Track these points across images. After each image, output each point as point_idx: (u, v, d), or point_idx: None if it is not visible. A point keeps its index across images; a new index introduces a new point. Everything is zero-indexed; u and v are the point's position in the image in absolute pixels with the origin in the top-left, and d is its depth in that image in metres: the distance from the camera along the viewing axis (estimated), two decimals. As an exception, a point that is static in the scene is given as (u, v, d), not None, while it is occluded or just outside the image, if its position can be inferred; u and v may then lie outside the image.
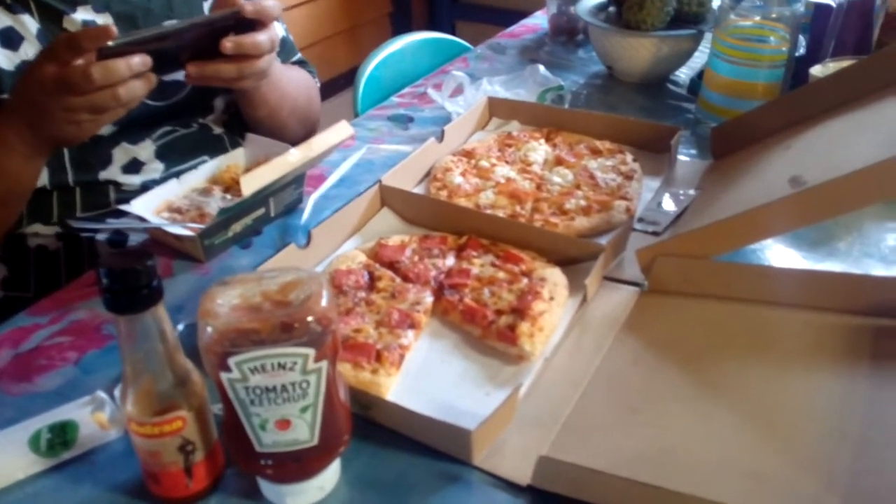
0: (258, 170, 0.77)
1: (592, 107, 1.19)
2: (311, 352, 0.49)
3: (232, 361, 0.48)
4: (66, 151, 0.88)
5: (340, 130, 0.82)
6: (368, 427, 0.62)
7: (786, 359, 0.65)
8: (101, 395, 0.63)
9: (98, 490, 0.57)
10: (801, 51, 1.13)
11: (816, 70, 0.98)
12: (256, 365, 0.49)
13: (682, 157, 1.01)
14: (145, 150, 0.94)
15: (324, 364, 0.50)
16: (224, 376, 0.49)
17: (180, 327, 0.72)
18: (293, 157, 0.79)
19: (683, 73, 1.30)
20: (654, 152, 1.00)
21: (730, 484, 0.53)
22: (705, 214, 0.79)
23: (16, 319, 0.75)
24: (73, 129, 0.75)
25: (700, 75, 1.18)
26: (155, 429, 0.52)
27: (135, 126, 0.93)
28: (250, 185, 0.76)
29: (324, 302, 0.50)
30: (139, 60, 0.71)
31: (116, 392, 0.63)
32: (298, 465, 0.54)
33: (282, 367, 0.49)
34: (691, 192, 0.90)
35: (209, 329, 0.48)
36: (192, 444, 0.54)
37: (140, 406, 0.52)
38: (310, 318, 0.49)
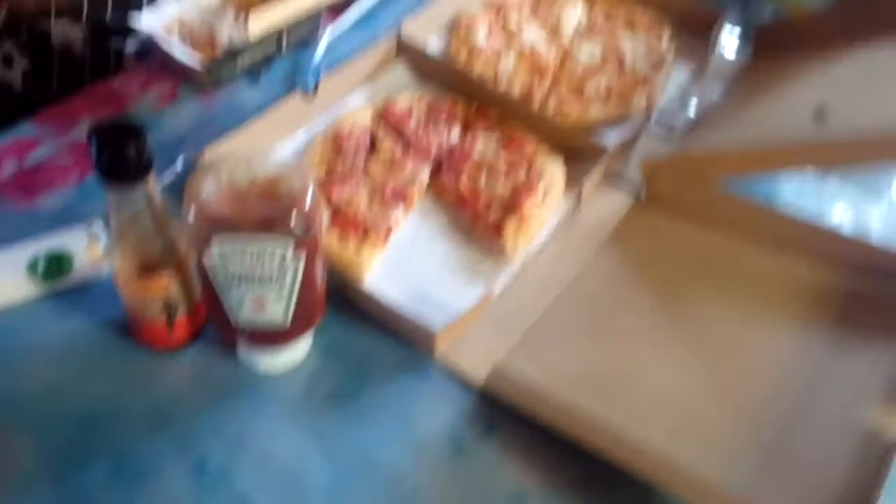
0: (268, 7, 0.73)
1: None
2: (290, 247, 0.51)
3: (213, 248, 0.50)
4: None
5: (362, -27, 0.77)
6: (343, 301, 0.65)
7: (755, 301, 0.67)
8: (97, 227, 0.66)
9: (89, 322, 0.62)
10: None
11: (890, -24, 0.89)
12: (235, 252, 0.51)
13: (722, 45, 0.95)
14: None
15: (302, 257, 0.52)
16: (204, 258, 0.51)
17: (180, 161, 0.73)
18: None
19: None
20: (693, 35, 0.94)
21: (661, 420, 0.57)
22: (721, 131, 0.76)
23: (21, 128, 0.76)
24: None
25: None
26: (139, 287, 0.55)
27: None
28: (257, 24, 0.72)
29: (308, 199, 0.51)
30: None
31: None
32: (272, 338, 0.58)
33: (260, 256, 0.51)
34: (717, 93, 0.86)
35: (191, 215, 0.49)
36: (174, 303, 0.57)
37: (126, 267, 0.54)
38: (293, 216, 0.50)
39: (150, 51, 0.86)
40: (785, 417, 0.57)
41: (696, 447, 0.53)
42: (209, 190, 0.50)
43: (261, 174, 0.52)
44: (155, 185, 0.52)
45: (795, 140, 0.65)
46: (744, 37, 0.97)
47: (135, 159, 0.49)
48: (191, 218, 0.50)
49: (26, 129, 0.76)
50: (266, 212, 0.50)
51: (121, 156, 0.48)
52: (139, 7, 0.87)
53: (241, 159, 0.52)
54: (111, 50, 0.90)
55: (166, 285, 0.55)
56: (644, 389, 0.60)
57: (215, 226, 0.50)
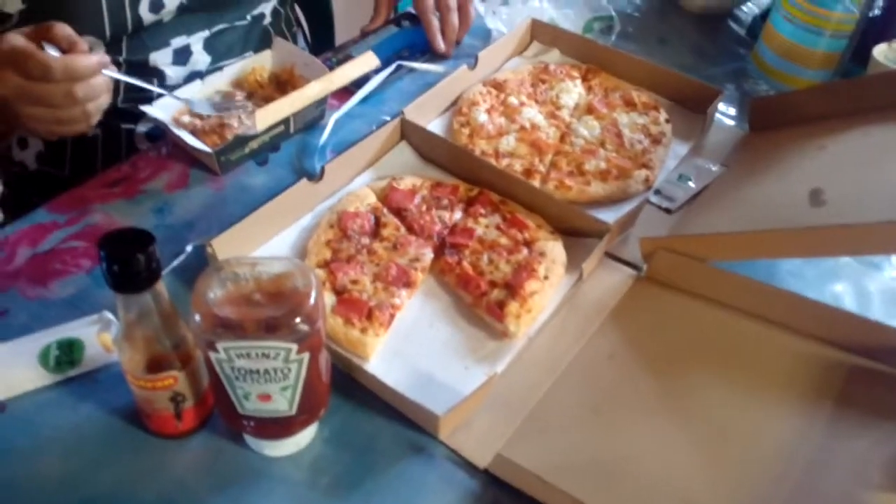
0: (274, 104, 0.76)
1: (643, 37, 1.13)
2: (294, 346, 0.52)
3: (219, 345, 0.52)
4: (124, 38, 0.87)
5: (365, 62, 0.80)
6: (350, 384, 0.66)
7: (755, 382, 0.67)
8: (108, 315, 0.67)
9: (98, 410, 0.63)
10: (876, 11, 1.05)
11: (879, 52, 0.92)
12: (242, 352, 0.52)
13: (719, 117, 0.98)
14: (198, 41, 0.93)
15: (305, 355, 0.53)
16: (212, 355, 0.53)
17: (189, 248, 0.75)
18: (311, 91, 0.78)
19: (749, 6, 1.21)
20: (691, 111, 0.97)
21: (663, 508, 0.57)
22: (718, 209, 0.78)
23: (35, 215, 0.78)
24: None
25: (764, 15, 1.11)
26: (148, 383, 0.56)
27: (196, 14, 0.91)
28: (264, 120, 0.75)
29: (311, 300, 0.52)
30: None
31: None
32: (278, 427, 0.59)
33: (265, 356, 0.52)
34: (715, 168, 0.88)
35: (197, 318, 0.51)
36: (182, 395, 0.58)
37: (134, 361, 0.56)
38: (297, 319, 0.51)
39: (161, 133, 0.89)
40: (786, 502, 0.57)
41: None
42: (215, 292, 0.52)
43: (265, 274, 0.53)
44: (163, 287, 0.53)
45: (792, 228, 0.66)
46: (739, 111, 0.99)
47: (142, 270, 0.50)
48: (197, 319, 0.51)
49: (39, 216, 0.78)
50: (270, 313, 0.51)
51: (129, 267, 0.50)
52: (149, 96, 0.90)
53: (245, 261, 0.54)
54: (123, 132, 0.93)
55: (174, 380, 0.57)
56: (645, 475, 0.60)
57: (221, 328, 0.51)
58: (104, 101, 0.73)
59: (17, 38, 0.68)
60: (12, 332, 0.66)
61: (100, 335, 0.66)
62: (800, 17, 0.96)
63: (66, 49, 0.70)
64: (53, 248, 0.75)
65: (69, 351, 0.64)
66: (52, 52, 0.69)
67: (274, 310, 0.51)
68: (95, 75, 0.70)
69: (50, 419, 0.62)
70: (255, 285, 0.53)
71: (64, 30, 0.70)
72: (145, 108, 0.83)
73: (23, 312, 0.69)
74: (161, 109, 0.84)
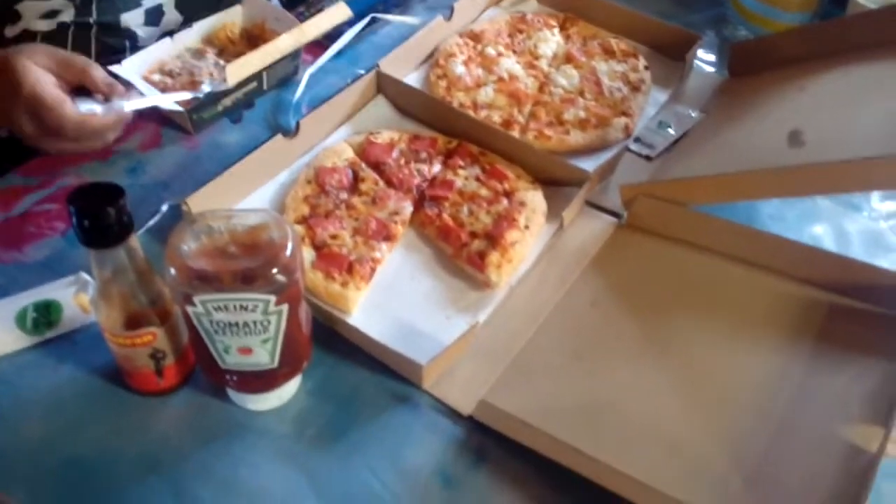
0: (245, 58, 0.75)
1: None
2: (272, 298, 0.52)
3: (196, 299, 0.51)
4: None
5: (337, 13, 0.79)
6: (332, 338, 0.66)
7: (737, 322, 0.68)
8: (85, 276, 0.66)
9: (78, 371, 0.62)
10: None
11: (859, -8, 0.91)
12: (219, 304, 0.51)
13: (699, 63, 0.97)
14: (170, 1, 0.91)
15: (284, 307, 0.53)
16: (189, 309, 0.52)
17: (164, 207, 0.74)
18: (283, 44, 0.76)
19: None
20: (670, 58, 0.96)
21: (646, 451, 0.58)
22: (698, 155, 0.78)
23: (7, 178, 0.76)
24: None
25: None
26: (127, 340, 0.56)
27: None
28: (235, 74, 0.74)
29: (288, 251, 0.51)
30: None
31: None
32: (260, 381, 0.59)
33: (244, 308, 0.52)
34: (694, 114, 0.87)
35: (172, 271, 0.50)
36: (162, 352, 0.58)
37: (112, 320, 0.55)
38: (274, 270, 0.50)
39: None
40: (768, 438, 0.58)
41: (681, 474, 0.54)
42: (189, 245, 0.51)
43: (240, 226, 0.52)
44: (136, 242, 0.53)
45: (771, 168, 0.66)
46: (719, 57, 0.99)
47: (114, 224, 0.50)
48: (172, 272, 0.51)
49: (12, 180, 0.76)
50: (246, 265, 0.51)
51: (99, 221, 0.49)
52: (122, 52, 0.88)
53: (220, 213, 0.53)
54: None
55: (153, 336, 0.56)
56: (629, 418, 0.60)
57: (197, 280, 0.50)
58: (117, 133, 0.76)
59: (44, 86, 0.69)
60: (-13, 297, 0.65)
61: (76, 296, 0.65)
62: (778, -40, 0.95)
63: (105, 93, 0.72)
64: (27, 211, 0.74)
65: (46, 312, 0.64)
66: (85, 107, 0.70)
67: (250, 261, 0.51)
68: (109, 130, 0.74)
69: (30, 381, 0.62)
70: (230, 237, 0.52)
71: (98, 72, 0.73)
72: (114, 69, 0.81)
73: (-3, 276, 0.68)
74: (131, 69, 0.82)
